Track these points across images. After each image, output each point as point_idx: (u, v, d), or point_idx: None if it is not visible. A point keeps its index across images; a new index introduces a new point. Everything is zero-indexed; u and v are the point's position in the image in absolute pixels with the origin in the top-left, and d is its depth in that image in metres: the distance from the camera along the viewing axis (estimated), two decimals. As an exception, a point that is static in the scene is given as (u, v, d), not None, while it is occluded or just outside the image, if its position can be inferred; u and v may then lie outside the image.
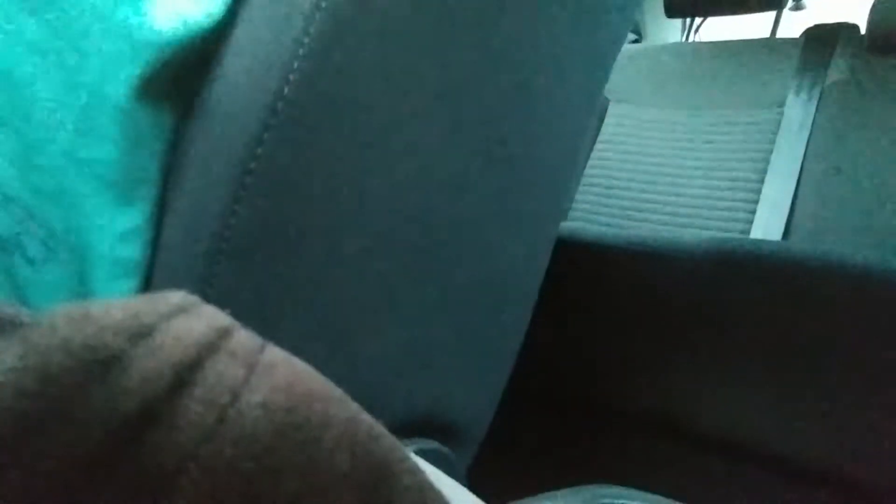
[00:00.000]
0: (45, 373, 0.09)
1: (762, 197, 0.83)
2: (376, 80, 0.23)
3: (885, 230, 0.73)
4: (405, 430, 0.31)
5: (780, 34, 1.41)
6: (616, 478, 0.27)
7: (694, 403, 0.61)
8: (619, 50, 0.35)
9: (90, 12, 0.22)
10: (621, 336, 0.62)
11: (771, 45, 0.97)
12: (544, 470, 0.70)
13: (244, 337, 0.10)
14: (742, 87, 0.94)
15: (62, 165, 0.23)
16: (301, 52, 0.21)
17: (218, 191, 0.22)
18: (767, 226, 0.80)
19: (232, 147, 0.22)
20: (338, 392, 0.11)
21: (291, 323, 0.24)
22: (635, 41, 1.39)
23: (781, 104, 0.88)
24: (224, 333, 0.10)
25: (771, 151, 0.85)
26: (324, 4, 0.21)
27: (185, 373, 0.09)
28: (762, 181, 0.84)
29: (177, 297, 0.11)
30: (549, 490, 0.25)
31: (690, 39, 1.51)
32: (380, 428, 0.11)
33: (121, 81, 0.22)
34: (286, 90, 0.21)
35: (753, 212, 0.83)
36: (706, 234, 0.82)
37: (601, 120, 1.02)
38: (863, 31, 0.89)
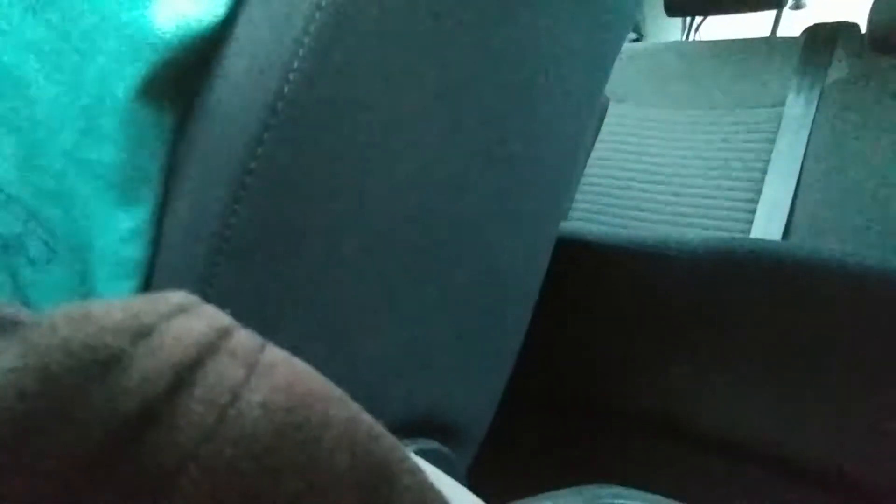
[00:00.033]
0: (45, 373, 0.09)
1: (762, 196, 0.83)
2: (376, 79, 0.23)
3: (885, 230, 0.73)
4: (405, 430, 0.31)
5: (780, 33, 1.41)
6: (616, 477, 0.27)
7: (694, 403, 0.61)
8: (619, 49, 0.35)
9: (92, 13, 0.22)
10: (621, 336, 0.62)
11: (771, 44, 0.97)
12: (544, 470, 0.70)
13: (244, 337, 0.11)
14: (742, 86, 0.94)
15: (64, 166, 0.23)
16: (301, 51, 0.21)
17: (218, 190, 0.22)
18: (767, 225, 0.80)
19: (232, 147, 0.22)
20: (338, 392, 0.11)
21: (291, 323, 0.24)
22: (635, 40, 1.39)
23: (781, 103, 0.88)
24: (224, 333, 0.10)
25: (771, 151, 0.85)
26: (324, 4, 0.21)
27: (186, 373, 0.09)
28: (762, 181, 0.84)
29: (177, 296, 0.11)
30: (549, 490, 0.25)
31: (690, 38, 1.51)
32: (380, 428, 0.11)
33: (123, 82, 0.22)
34: (286, 90, 0.21)
35: (753, 211, 0.83)
36: (706, 233, 0.82)
37: (601, 119, 1.02)
38: (863, 30, 0.89)
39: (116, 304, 0.10)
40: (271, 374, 0.10)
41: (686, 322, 0.57)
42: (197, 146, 0.24)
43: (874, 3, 0.86)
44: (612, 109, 1.02)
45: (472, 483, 0.26)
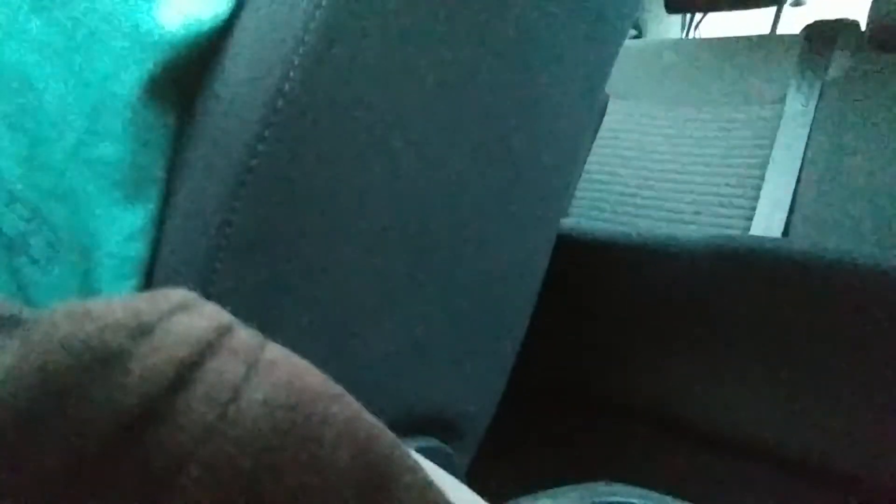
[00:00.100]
0: (45, 371, 0.09)
1: (762, 193, 0.83)
2: (376, 77, 0.23)
3: (885, 227, 0.73)
4: (405, 427, 0.31)
5: (780, 30, 1.41)
6: (616, 475, 0.27)
7: (693, 400, 0.61)
8: (620, 47, 0.35)
9: (99, 12, 0.22)
10: (620, 333, 0.63)
11: (771, 41, 0.97)
12: (544, 467, 0.70)
13: (245, 334, 0.10)
14: (742, 83, 0.93)
15: (69, 165, 0.23)
16: (301, 49, 0.21)
17: (219, 188, 0.22)
18: (768, 222, 0.80)
19: (233, 144, 0.22)
20: (338, 390, 0.11)
21: (292, 320, 0.24)
22: (635, 37, 1.39)
23: (782, 101, 0.88)
24: (225, 331, 0.10)
25: (771, 148, 0.85)
26: (324, 3, 0.21)
27: (186, 370, 0.09)
28: (762, 178, 0.84)
29: (177, 294, 0.11)
30: (549, 487, 0.25)
31: (690, 35, 1.51)
32: (380, 426, 0.11)
33: (129, 81, 0.22)
34: (287, 87, 0.21)
35: (754, 208, 0.83)
36: (706, 230, 0.82)
37: (601, 116, 1.02)
38: (863, 27, 0.89)
39: (117, 302, 0.10)
40: (272, 371, 0.10)
41: (685, 319, 0.57)
42: (198, 144, 0.24)
43: (874, 1, 0.86)
44: (612, 106, 1.02)
45: (472, 480, 0.26)
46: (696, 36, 1.52)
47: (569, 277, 0.59)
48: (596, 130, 1.01)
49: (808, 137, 0.83)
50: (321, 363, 0.11)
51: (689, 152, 0.92)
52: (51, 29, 0.22)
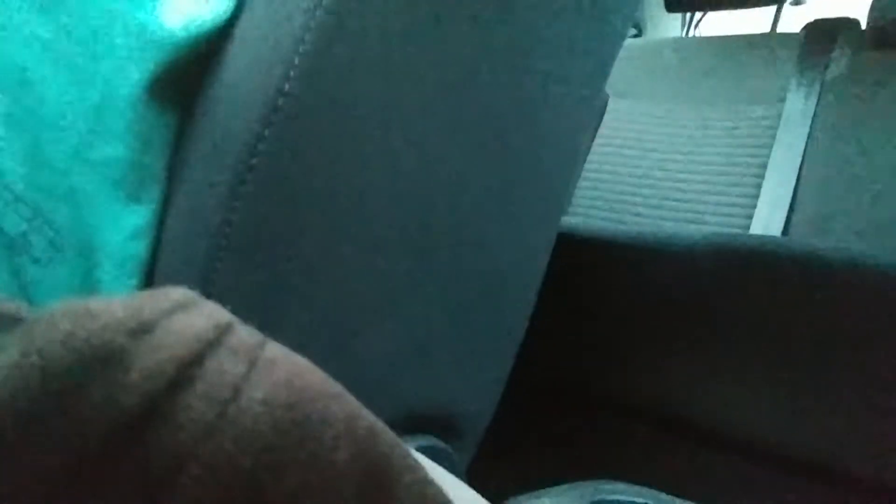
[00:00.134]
0: (45, 369, 0.09)
1: (762, 192, 0.83)
2: (376, 76, 0.23)
3: (886, 226, 0.73)
4: (406, 426, 0.31)
5: (780, 29, 1.41)
6: (616, 474, 0.27)
7: (693, 399, 0.61)
8: (620, 47, 0.34)
9: (101, 12, 0.22)
10: (621, 332, 0.62)
11: (771, 40, 0.96)
12: (544, 466, 0.70)
13: (245, 333, 0.11)
14: (742, 82, 0.93)
15: (72, 165, 0.23)
16: (301, 48, 0.21)
17: (219, 187, 0.22)
18: (768, 221, 0.80)
19: (233, 143, 0.22)
20: (338, 388, 0.11)
21: (292, 319, 0.24)
22: (635, 36, 1.39)
23: (782, 99, 0.88)
24: (225, 330, 0.10)
25: (771, 147, 0.85)
26: (324, 2, 0.21)
27: (186, 369, 0.09)
28: (762, 176, 0.84)
29: (177, 293, 0.11)
30: (549, 486, 0.25)
31: (690, 34, 1.51)
32: (380, 425, 0.11)
33: (131, 81, 0.22)
34: (287, 86, 0.21)
35: (754, 207, 0.83)
36: (706, 229, 0.82)
37: (601, 116, 1.02)
38: (863, 26, 0.89)
39: (117, 301, 0.10)
40: (272, 370, 0.10)
41: (686, 318, 0.57)
42: (198, 143, 0.24)
43: (874, 0, 0.86)
44: (612, 105, 1.02)
45: (472, 479, 0.26)
46: (696, 35, 1.52)
47: (569, 277, 0.59)
48: (596, 130, 1.01)
49: (809, 136, 0.83)
50: (321, 362, 0.11)
51: (689, 151, 0.91)
52: (54, 29, 0.22)
